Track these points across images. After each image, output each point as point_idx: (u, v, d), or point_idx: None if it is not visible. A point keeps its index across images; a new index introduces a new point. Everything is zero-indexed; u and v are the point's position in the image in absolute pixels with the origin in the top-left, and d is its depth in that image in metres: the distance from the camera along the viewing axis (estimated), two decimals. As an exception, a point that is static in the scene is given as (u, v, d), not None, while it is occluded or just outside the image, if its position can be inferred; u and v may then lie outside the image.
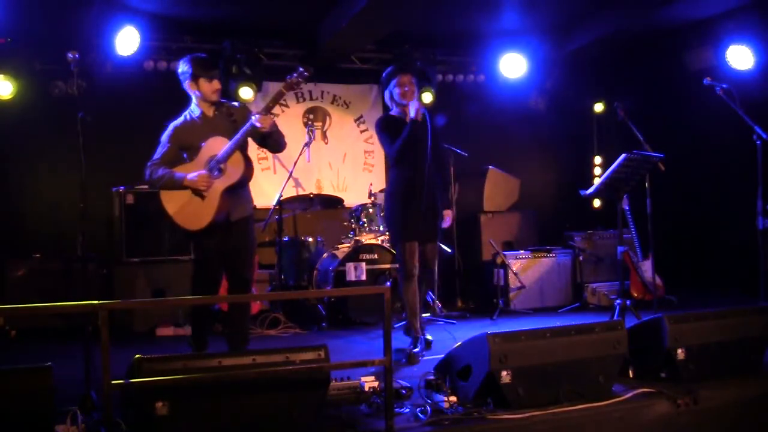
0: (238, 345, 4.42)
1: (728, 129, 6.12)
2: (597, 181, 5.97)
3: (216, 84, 4.48)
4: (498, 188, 8.13)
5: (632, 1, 7.21)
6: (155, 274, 6.68)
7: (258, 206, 5.22)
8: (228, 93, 7.38)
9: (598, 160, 9.48)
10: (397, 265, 5.40)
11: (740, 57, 7.30)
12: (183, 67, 4.47)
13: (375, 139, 8.56)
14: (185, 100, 4.66)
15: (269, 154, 7.49)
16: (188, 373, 2.99)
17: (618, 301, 5.37)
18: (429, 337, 5.30)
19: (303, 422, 3.18)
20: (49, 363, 2.90)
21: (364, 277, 6.63)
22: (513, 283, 7.26)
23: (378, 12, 6.66)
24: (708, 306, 4.58)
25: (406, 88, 4.98)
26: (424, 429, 3.25)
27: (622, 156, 5.21)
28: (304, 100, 8.49)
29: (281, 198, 6.74)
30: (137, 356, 2.96)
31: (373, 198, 7.03)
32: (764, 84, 7.13)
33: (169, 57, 7.61)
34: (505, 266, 7.27)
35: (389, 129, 5.02)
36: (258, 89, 7.82)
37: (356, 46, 7.99)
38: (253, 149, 4.70)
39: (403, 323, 5.33)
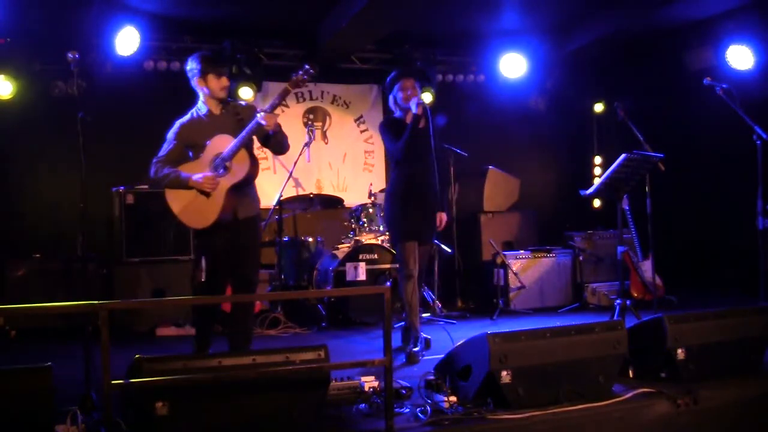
0: (241, 345, 4.40)
1: (728, 129, 6.11)
2: (597, 181, 5.97)
3: (224, 81, 4.47)
4: (498, 188, 8.13)
5: (632, 1, 7.21)
6: (155, 274, 6.68)
7: (258, 206, 5.22)
8: (228, 93, 7.37)
9: (598, 160, 9.48)
10: (397, 265, 5.41)
11: (740, 57, 7.30)
12: (191, 64, 4.46)
13: (375, 139, 8.59)
14: (185, 100, 4.66)
15: (269, 154, 7.47)
16: (188, 373, 2.99)
17: (618, 301, 5.37)
18: (426, 336, 5.32)
19: (303, 422, 3.18)
20: (49, 363, 2.90)
21: (364, 277, 6.63)
22: (513, 283, 7.26)
23: (378, 12, 6.66)
24: (708, 306, 4.59)
25: (409, 92, 5.08)
26: (424, 429, 3.24)
27: (622, 156, 5.21)
28: (304, 100, 8.49)
29: (281, 198, 6.74)
30: (137, 356, 2.96)
31: (373, 198, 7.03)
32: (764, 84, 7.14)
33: (169, 57, 7.61)
34: (505, 266, 7.27)
35: (392, 129, 5.13)
36: (258, 89, 7.82)
37: (356, 46, 7.99)
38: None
39: (402, 323, 5.33)
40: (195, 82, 4.47)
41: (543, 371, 3.53)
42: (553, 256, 7.53)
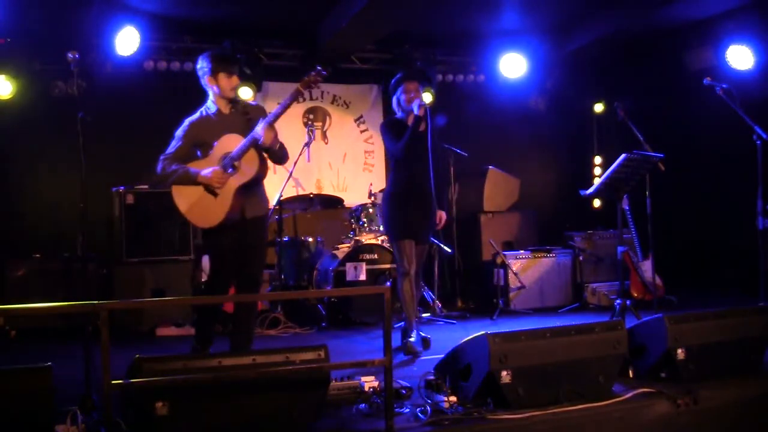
0: (242, 345, 4.40)
1: (728, 129, 6.11)
2: (597, 181, 5.97)
3: (235, 80, 4.46)
4: (498, 188, 8.13)
5: (632, 1, 7.21)
6: (155, 274, 6.68)
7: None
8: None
9: (598, 160, 9.48)
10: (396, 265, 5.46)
11: (740, 57, 7.30)
12: (202, 63, 4.45)
13: (375, 139, 8.59)
14: (185, 100, 4.67)
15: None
16: (188, 373, 2.99)
17: (618, 301, 5.38)
18: (426, 335, 5.35)
19: (303, 422, 3.18)
20: (49, 363, 2.90)
21: (364, 277, 6.63)
22: (513, 283, 7.26)
23: (378, 12, 6.66)
24: (708, 306, 4.58)
25: (412, 94, 5.17)
26: (424, 429, 3.24)
27: (622, 156, 5.21)
28: (304, 100, 8.48)
29: (281, 198, 6.74)
30: (137, 356, 2.96)
31: (373, 198, 7.03)
32: (764, 84, 7.14)
33: (169, 57, 7.61)
34: (505, 266, 7.27)
35: (393, 129, 5.21)
36: (258, 89, 7.82)
37: (356, 46, 7.99)
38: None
39: (402, 323, 5.35)
40: (205, 81, 4.46)
41: (543, 371, 3.53)
42: (553, 256, 7.53)
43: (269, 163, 4.50)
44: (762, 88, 7.01)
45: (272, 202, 6.78)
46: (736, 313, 4.16)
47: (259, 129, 4.22)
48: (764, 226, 5.34)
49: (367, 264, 6.67)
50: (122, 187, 6.75)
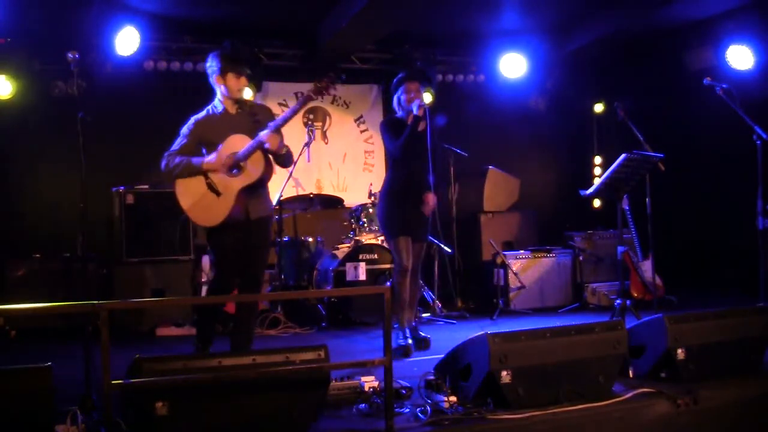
0: (243, 345, 4.39)
1: (728, 129, 6.11)
2: (597, 181, 5.97)
3: (243, 81, 4.43)
4: (498, 188, 8.13)
5: (632, 1, 7.21)
6: (155, 274, 6.68)
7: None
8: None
9: (598, 160, 9.48)
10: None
11: (740, 57, 7.31)
12: (211, 61, 4.42)
13: (375, 139, 8.59)
14: (185, 100, 4.67)
15: (269, 154, 7.50)
16: (188, 373, 2.99)
17: (618, 301, 5.38)
18: (426, 335, 5.37)
19: (303, 422, 3.18)
20: (49, 363, 2.90)
21: (364, 277, 6.63)
22: (513, 283, 7.26)
23: (378, 12, 6.66)
24: (708, 306, 4.58)
25: (412, 95, 5.22)
26: (424, 429, 3.24)
27: (622, 156, 5.21)
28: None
29: (281, 198, 6.74)
30: (137, 356, 2.96)
31: (373, 198, 7.02)
32: (764, 84, 7.14)
33: (169, 57, 7.61)
34: (505, 266, 7.27)
35: (393, 128, 5.26)
36: (258, 89, 7.82)
37: (356, 46, 7.99)
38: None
39: (409, 327, 5.34)
40: (213, 80, 4.43)
41: (543, 371, 3.53)
42: (553, 256, 7.53)
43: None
44: (762, 88, 7.01)
45: (272, 202, 6.79)
46: (736, 313, 4.16)
47: (264, 134, 4.21)
48: (764, 226, 5.34)
49: (366, 264, 6.67)
50: (122, 187, 6.75)
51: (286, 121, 4.31)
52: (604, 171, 6.32)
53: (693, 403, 3.63)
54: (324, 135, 8.55)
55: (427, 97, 8.06)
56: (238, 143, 4.30)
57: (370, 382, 3.65)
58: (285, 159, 4.45)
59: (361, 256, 6.67)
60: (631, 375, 4.01)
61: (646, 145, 5.65)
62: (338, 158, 8.60)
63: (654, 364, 3.96)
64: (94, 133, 4.03)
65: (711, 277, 7.99)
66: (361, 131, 8.76)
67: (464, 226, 7.86)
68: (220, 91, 4.45)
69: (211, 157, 4.28)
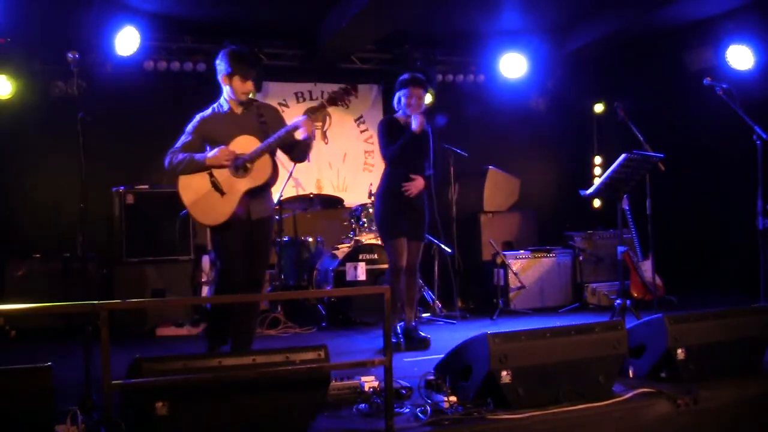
0: (243, 345, 4.39)
1: (728, 129, 6.12)
2: (597, 181, 5.97)
3: (249, 85, 4.40)
4: (498, 188, 8.13)
5: (632, 1, 7.21)
6: (155, 274, 6.68)
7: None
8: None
9: (598, 160, 9.48)
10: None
11: (740, 57, 7.31)
12: (220, 60, 4.39)
13: (375, 139, 8.55)
14: (185, 100, 4.67)
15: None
16: (188, 373, 2.99)
17: (618, 301, 5.38)
18: (426, 335, 5.38)
19: (303, 422, 3.18)
20: (49, 363, 2.89)
21: (363, 277, 6.63)
22: (513, 283, 7.26)
23: (378, 12, 6.66)
24: (708, 306, 4.58)
25: (413, 101, 5.24)
26: (424, 429, 3.24)
27: (622, 156, 5.21)
28: (304, 100, 8.48)
29: (281, 198, 6.74)
30: (137, 356, 2.95)
31: (373, 198, 7.02)
32: (764, 84, 7.14)
33: (169, 57, 7.61)
34: (505, 266, 7.27)
35: (389, 131, 5.29)
36: (257, 89, 7.81)
37: (356, 46, 7.99)
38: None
39: (401, 323, 5.35)
40: (220, 78, 4.42)
41: (543, 371, 3.53)
42: (553, 256, 7.53)
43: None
44: (762, 88, 7.01)
45: (274, 202, 6.79)
46: (736, 313, 4.16)
47: (301, 120, 4.23)
48: (764, 226, 5.34)
49: (366, 264, 6.67)
50: (122, 187, 6.75)
51: (316, 111, 4.39)
52: (604, 171, 6.32)
53: (693, 403, 3.63)
54: (324, 135, 8.55)
55: (427, 97, 8.10)
56: (245, 144, 4.28)
57: (370, 382, 3.65)
58: (304, 151, 4.45)
59: (361, 256, 6.68)
60: (631, 375, 4.01)
61: (646, 145, 5.65)
62: (338, 158, 8.60)
63: (654, 364, 3.96)
64: (94, 133, 4.04)
65: (711, 277, 7.99)
66: (361, 131, 8.76)
67: (464, 226, 7.86)
68: (226, 90, 4.44)
69: (213, 152, 4.25)
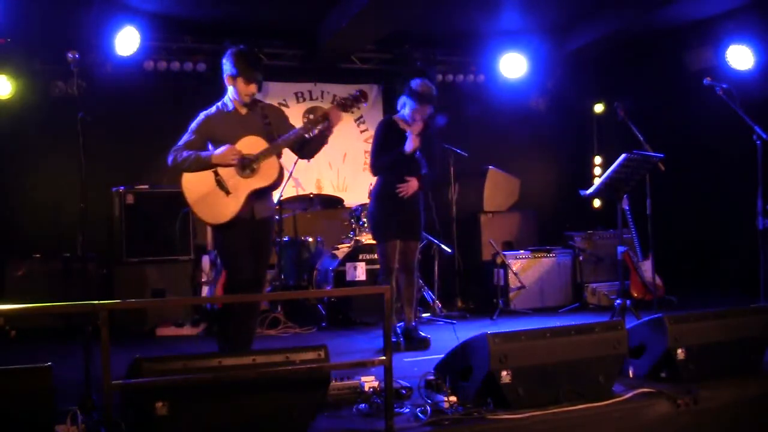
0: (242, 345, 4.38)
1: (728, 129, 6.11)
2: (597, 181, 5.97)
3: (253, 88, 4.38)
4: (498, 188, 8.13)
5: (632, 1, 7.21)
6: (155, 274, 6.68)
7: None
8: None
9: (598, 160, 9.48)
10: (397, 266, 5.48)
11: (740, 57, 7.30)
12: (225, 60, 4.39)
13: (374, 138, 8.59)
14: (185, 100, 4.67)
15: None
16: (188, 373, 2.99)
17: (618, 301, 5.38)
18: (426, 335, 5.39)
19: (303, 422, 3.18)
20: (49, 363, 2.90)
21: (363, 277, 6.63)
22: (513, 283, 7.26)
23: (378, 12, 6.66)
24: (708, 306, 4.58)
25: (417, 117, 5.29)
26: (424, 429, 3.25)
27: (622, 156, 5.21)
28: (304, 100, 8.48)
29: (281, 198, 6.74)
30: (137, 356, 2.96)
31: (372, 198, 7.03)
32: (764, 84, 7.14)
33: (169, 57, 7.61)
34: (505, 266, 7.27)
35: (384, 138, 5.35)
36: (258, 89, 7.80)
37: (356, 46, 7.99)
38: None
39: (401, 324, 5.36)
40: (225, 78, 4.41)
41: (543, 371, 3.53)
42: (553, 256, 7.53)
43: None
44: (762, 88, 7.01)
45: (274, 201, 6.79)
46: (736, 313, 4.16)
47: (333, 111, 4.36)
48: (764, 226, 5.34)
49: (366, 264, 6.67)
50: (122, 187, 6.75)
51: (341, 104, 4.52)
52: (604, 171, 6.32)
53: (693, 403, 3.63)
54: (324, 135, 8.54)
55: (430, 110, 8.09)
56: (252, 145, 4.27)
57: (370, 382, 3.65)
58: (317, 147, 4.50)
59: (360, 256, 6.67)
60: (631, 375, 4.02)
61: (646, 145, 5.65)
62: (338, 158, 8.60)
63: (654, 364, 3.96)
64: (94, 133, 4.03)
65: (711, 277, 7.99)
66: (361, 131, 8.76)
67: (464, 226, 7.86)
68: (230, 90, 4.43)
69: (219, 150, 4.23)
